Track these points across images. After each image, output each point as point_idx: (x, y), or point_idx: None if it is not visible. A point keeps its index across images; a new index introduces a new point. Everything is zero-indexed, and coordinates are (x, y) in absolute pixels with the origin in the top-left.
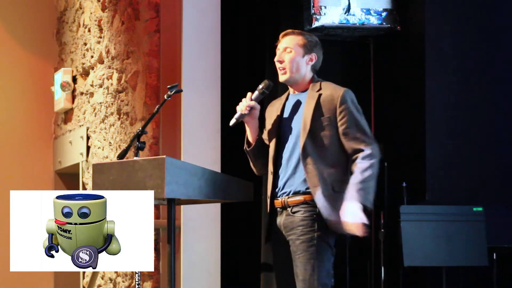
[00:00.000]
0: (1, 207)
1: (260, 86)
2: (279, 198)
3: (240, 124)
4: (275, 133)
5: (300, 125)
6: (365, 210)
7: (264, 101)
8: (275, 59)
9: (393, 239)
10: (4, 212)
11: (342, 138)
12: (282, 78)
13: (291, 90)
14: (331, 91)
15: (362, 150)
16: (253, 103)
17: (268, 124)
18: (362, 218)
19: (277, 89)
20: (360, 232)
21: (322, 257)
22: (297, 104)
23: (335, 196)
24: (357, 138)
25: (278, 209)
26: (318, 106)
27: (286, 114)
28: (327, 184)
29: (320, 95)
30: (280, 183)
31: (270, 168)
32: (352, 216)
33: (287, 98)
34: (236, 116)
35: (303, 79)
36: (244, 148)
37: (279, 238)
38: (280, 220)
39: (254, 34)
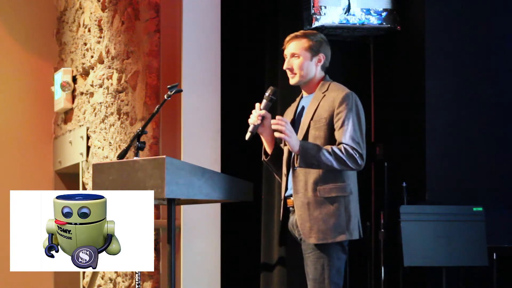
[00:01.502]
0: (1, 207)
1: (267, 94)
2: (291, 198)
3: (240, 124)
4: None
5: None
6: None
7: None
8: (284, 67)
9: (393, 239)
10: (4, 212)
11: (337, 140)
12: (292, 81)
13: (303, 92)
14: (335, 92)
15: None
16: (263, 112)
17: None
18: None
19: (293, 92)
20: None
21: (332, 256)
22: (306, 107)
23: (318, 202)
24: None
25: (291, 208)
26: (319, 107)
27: (297, 117)
28: (310, 190)
29: (324, 96)
30: (290, 184)
31: (284, 170)
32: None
33: (300, 101)
34: (250, 129)
35: (313, 80)
36: (262, 159)
37: (293, 238)
38: (293, 219)
39: (254, 34)
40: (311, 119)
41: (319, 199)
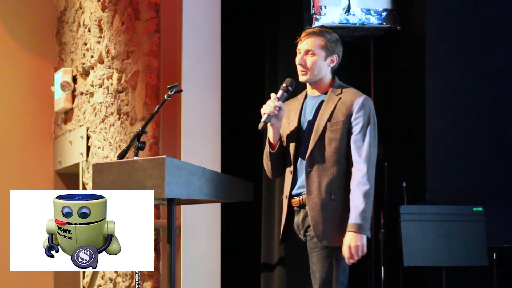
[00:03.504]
0: (1, 207)
1: (284, 85)
2: (296, 198)
3: (240, 124)
4: (296, 133)
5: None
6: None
7: None
8: (297, 62)
9: (393, 239)
10: (4, 212)
11: (351, 144)
12: (302, 78)
13: (309, 90)
14: (351, 96)
15: (358, 169)
16: (280, 103)
17: (286, 123)
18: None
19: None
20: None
21: (339, 255)
22: (318, 106)
23: (332, 204)
24: (359, 155)
25: (296, 208)
26: (334, 110)
27: (307, 115)
28: (324, 192)
29: (339, 99)
30: (298, 183)
31: (290, 167)
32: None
33: (305, 99)
34: (264, 118)
35: (323, 80)
36: (268, 151)
37: (294, 237)
38: (298, 218)
39: (254, 34)
40: (328, 120)
41: (333, 201)
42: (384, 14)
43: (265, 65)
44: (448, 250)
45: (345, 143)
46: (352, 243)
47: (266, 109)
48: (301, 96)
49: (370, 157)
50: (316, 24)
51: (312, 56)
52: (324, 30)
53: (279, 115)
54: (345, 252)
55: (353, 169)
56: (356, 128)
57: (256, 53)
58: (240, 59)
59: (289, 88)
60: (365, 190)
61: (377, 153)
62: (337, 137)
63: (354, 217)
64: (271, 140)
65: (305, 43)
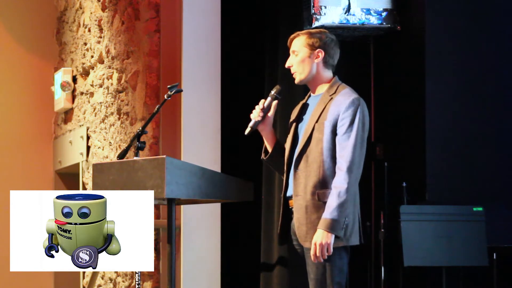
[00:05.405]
0: (1, 207)
1: (272, 92)
2: (292, 198)
3: (240, 124)
4: (292, 135)
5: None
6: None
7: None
8: (286, 65)
9: (393, 239)
10: (4, 212)
11: (336, 144)
12: (295, 81)
13: (311, 91)
14: (341, 96)
15: (339, 169)
16: (265, 105)
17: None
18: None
19: (292, 92)
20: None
21: (334, 255)
22: (312, 107)
23: (316, 206)
24: (341, 155)
25: (293, 209)
26: (325, 110)
27: (302, 116)
28: (310, 193)
29: (331, 99)
30: (292, 184)
31: (285, 168)
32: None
33: (307, 100)
34: (251, 124)
35: (317, 78)
36: (261, 158)
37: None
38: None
39: (254, 34)
40: (316, 121)
41: (317, 203)
42: (384, 14)
43: (265, 65)
44: (448, 250)
45: (331, 144)
46: (318, 241)
47: (253, 115)
48: (306, 96)
49: (353, 157)
50: (316, 24)
51: (296, 56)
52: (312, 30)
53: (266, 121)
54: (311, 249)
55: (336, 169)
56: (341, 129)
57: (256, 53)
58: (240, 59)
59: (277, 95)
60: (340, 189)
61: (367, 153)
62: (324, 137)
63: (324, 215)
64: (267, 147)
65: (291, 46)
